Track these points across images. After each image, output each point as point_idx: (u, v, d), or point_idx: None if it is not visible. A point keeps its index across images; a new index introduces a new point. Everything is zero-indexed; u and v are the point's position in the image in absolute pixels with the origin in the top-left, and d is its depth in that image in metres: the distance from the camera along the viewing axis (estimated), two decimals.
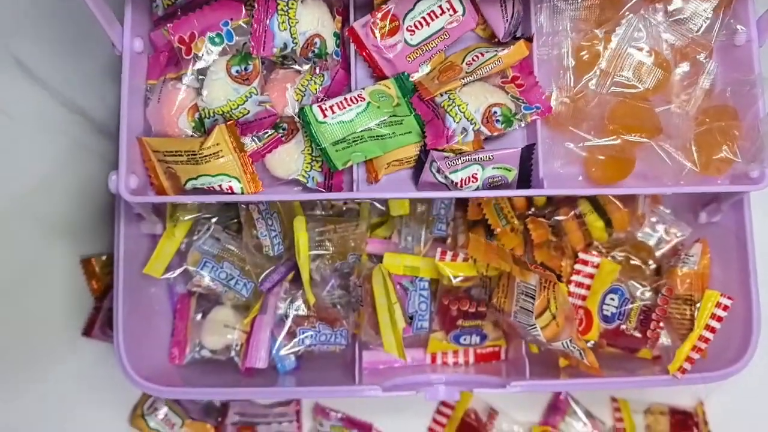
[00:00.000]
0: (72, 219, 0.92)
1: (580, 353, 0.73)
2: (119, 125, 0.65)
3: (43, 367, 0.90)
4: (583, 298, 0.78)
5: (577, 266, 0.77)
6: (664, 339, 0.79)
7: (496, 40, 0.69)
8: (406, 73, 0.68)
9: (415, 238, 0.83)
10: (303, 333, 0.80)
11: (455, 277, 0.78)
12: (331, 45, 0.67)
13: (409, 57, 0.68)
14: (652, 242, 0.82)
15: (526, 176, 0.68)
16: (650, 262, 0.80)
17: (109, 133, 0.93)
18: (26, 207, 0.92)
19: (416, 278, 0.80)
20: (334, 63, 0.69)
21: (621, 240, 0.80)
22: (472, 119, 0.65)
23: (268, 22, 0.64)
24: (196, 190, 0.65)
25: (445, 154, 0.67)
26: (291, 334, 0.80)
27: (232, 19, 0.64)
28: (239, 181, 0.64)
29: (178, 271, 0.79)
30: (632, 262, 0.80)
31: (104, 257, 0.92)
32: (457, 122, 0.65)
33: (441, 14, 0.67)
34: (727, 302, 0.74)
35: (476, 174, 0.66)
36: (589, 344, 0.77)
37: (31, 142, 0.94)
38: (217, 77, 0.64)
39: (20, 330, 0.90)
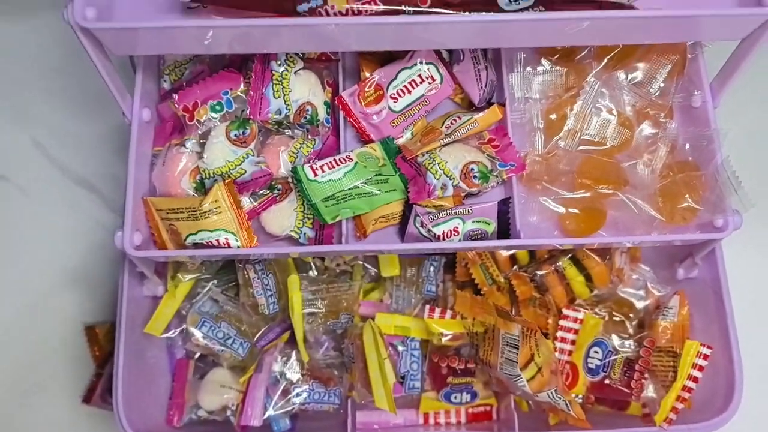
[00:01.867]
0: (78, 288, 0.97)
1: (567, 405, 0.75)
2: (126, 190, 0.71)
3: None
4: (569, 353, 0.80)
5: (562, 322, 0.80)
6: (650, 392, 0.81)
7: (474, 108, 0.75)
8: (391, 137, 0.74)
9: (406, 300, 0.86)
10: (297, 392, 0.82)
11: (444, 335, 0.80)
12: (321, 113, 0.74)
13: (394, 122, 0.75)
14: (634, 299, 0.85)
15: (504, 229, 0.72)
16: (632, 317, 0.83)
17: (117, 207, 0.99)
18: (36, 277, 0.97)
19: (407, 338, 0.83)
20: (325, 129, 0.75)
21: (603, 297, 0.84)
22: (451, 175, 0.71)
23: (264, 90, 0.70)
24: (195, 245, 0.70)
25: (428, 209, 0.72)
26: (285, 393, 0.82)
27: (231, 89, 0.71)
28: (236, 236, 0.69)
29: (178, 330, 0.82)
30: (615, 318, 0.83)
31: (107, 325, 0.95)
32: (438, 179, 0.70)
33: (421, 83, 0.74)
34: (707, 351, 0.77)
35: (457, 227, 0.71)
36: (577, 399, 0.79)
37: (44, 218, 0.99)
38: (217, 141, 0.70)
39: (21, 396, 0.92)
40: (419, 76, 0.74)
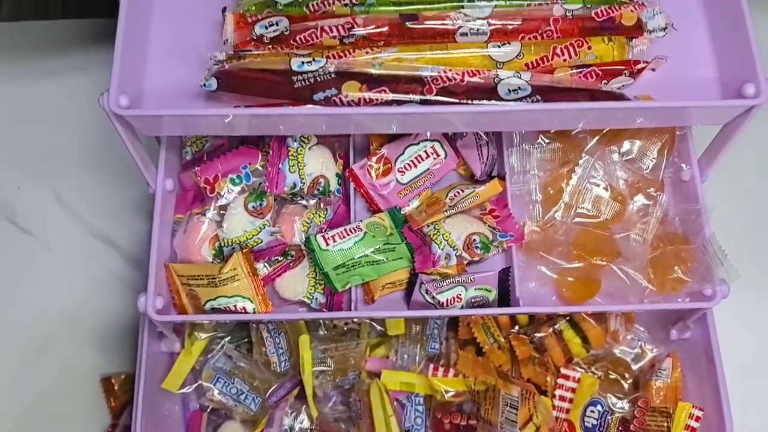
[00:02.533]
0: (95, 340, 1.00)
1: None
2: (148, 254, 0.75)
3: None
4: (566, 411, 0.84)
5: (560, 381, 0.84)
6: None
7: (475, 178, 0.80)
8: (398, 207, 0.79)
9: (411, 357, 0.89)
10: None
11: (447, 392, 0.84)
12: (333, 184, 0.79)
13: (401, 193, 0.80)
14: (629, 358, 0.89)
15: (505, 296, 0.77)
16: (627, 376, 0.87)
17: (135, 261, 1.03)
18: (56, 328, 1.01)
19: (412, 394, 0.87)
20: (336, 199, 0.80)
21: (600, 356, 0.87)
22: (454, 246, 0.75)
23: (280, 165, 0.75)
24: (213, 310, 0.74)
25: (432, 277, 0.76)
26: None
27: (250, 163, 0.76)
28: (252, 302, 0.73)
29: (193, 386, 0.86)
30: (611, 376, 0.86)
31: (123, 376, 0.99)
32: (442, 249, 0.75)
33: (426, 158, 0.79)
34: (699, 413, 0.80)
35: (460, 294, 0.75)
36: None
37: (65, 271, 1.04)
38: (236, 212, 0.75)
39: None
40: (425, 151, 0.79)
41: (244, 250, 0.74)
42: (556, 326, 0.84)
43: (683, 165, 0.79)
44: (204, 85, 0.65)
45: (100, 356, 1.00)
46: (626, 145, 0.79)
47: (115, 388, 0.98)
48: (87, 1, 1.17)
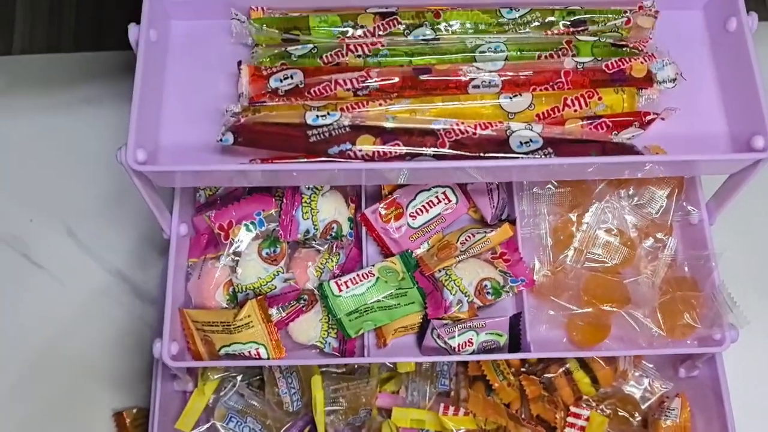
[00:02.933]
0: (109, 375, 1.01)
1: None
2: (163, 296, 0.76)
3: None
4: None
5: (569, 419, 0.84)
6: None
7: (486, 221, 0.81)
8: (409, 251, 0.80)
9: (421, 393, 0.90)
10: None
11: (457, 431, 0.85)
12: (345, 228, 0.80)
13: (412, 237, 0.80)
14: (638, 395, 0.89)
15: (515, 340, 0.77)
16: (636, 414, 0.87)
17: (148, 297, 1.04)
18: (67, 362, 1.01)
19: (422, 431, 0.87)
20: (348, 242, 0.81)
21: (609, 394, 0.88)
22: (466, 292, 0.76)
23: (294, 213, 0.76)
24: (228, 356, 0.75)
25: (444, 321, 0.77)
26: None
27: (263, 210, 0.77)
28: (266, 348, 0.74)
29: (206, 425, 0.87)
30: (620, 413, 0.87)
31: (135, 410, 0.99)
32: (453, 294, 0.76)
33: (438, 203, 0.80)
34: None
35: (471, 339, 0.76)
36: None
37: (76, 304, 1.04)
38: (250, 258, 0.76)
39: None
40: (436, 197, 0.80)
41: (258, 298, 0.74)
42: (565, 366, 0.85)
43: (691, 209, 0.79)
44: (221, 140, 0.66)
45: (111, 391, 1.00)
46: (634, 190, 0.80)
47: (127, 422, 0.99)
48: (99, 34, 1.18)
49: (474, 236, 0.78)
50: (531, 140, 0.68)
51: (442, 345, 0.76)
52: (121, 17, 1.16)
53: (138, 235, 1.07)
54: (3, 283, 1.05)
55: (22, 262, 1.07)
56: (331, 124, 0.67)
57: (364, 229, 0.81)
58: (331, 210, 0.78)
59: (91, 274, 1.05)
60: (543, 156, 0.67)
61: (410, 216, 0.80)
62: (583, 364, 0.84)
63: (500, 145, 0.68)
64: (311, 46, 0.71)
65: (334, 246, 0.80)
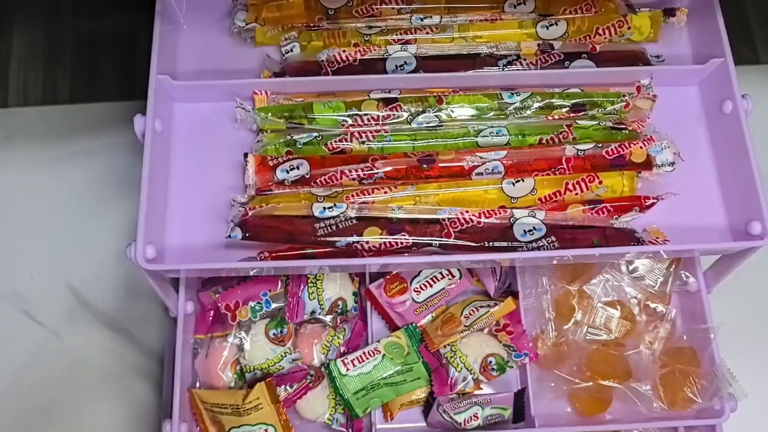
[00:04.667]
0: None
1: None
2: (169, 356, 0.76)
3: None
4: None
5: None
6: None
7: (490, 297, 0.83)
8: (414, 324, 0.81)
9: None
10: None
11: None
12: (350, 303, 0.81)
13: (417, 311, 0.82)
14: None
15: (519, 413, 0.79)
16: None
17: (152, 353, 1.04)
18: (71, 422, 1.02)
19: None
20: (353, 316, 0.82)
21: None
22: (471, 369, 0.77)
23: (300, 294, 0.77)
24: None
25: (450, 396, 0.78)
26: None
27: (270, 290, 0.78)
28: (275, 429, 0.75)
29: None
30: None
31: None
32: (459, 372, 0.77)
33: (442, 278, 0.82)
34: None
35: (477, 414, 0.78)
36: None
37: (79, 360, 1.05)
38: (257, 339, 0.77)
39: None
40: (440, 273, 0.81)
41: (267, 380, 0.75)
42: None
43: (690, 279, 0.81)
44: (229, 236, 0.67)
45: None
46: (634, 263, 0.81)
47: None
48: (95, 85, 1.18)
49: (478, 310, 0.80)
50: (534, 228, 0.69)
51: (448, 419, 0.78)
52: (117, 67, 1.16)
53: (142, 292, 1.07)
54: (2, 340, 1.05)
55: (22, 318, 1.06)
56: (337, 216, 0.68)
57: (368, 304, 0.82)
58: (336, 287, 0.79)
59: (92, 331, 1.05)
60: (546, 244, 0.68)
61: (414, 291, 0.81)
62: None
63: (504, 232, 0.69)
64: (316, 134, 0.72)
65: (339, 320, 0.81)
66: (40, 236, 1.11)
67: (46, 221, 1.12)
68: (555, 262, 0.80)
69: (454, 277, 0.81)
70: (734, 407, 0.77)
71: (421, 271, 0.81)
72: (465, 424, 0.77)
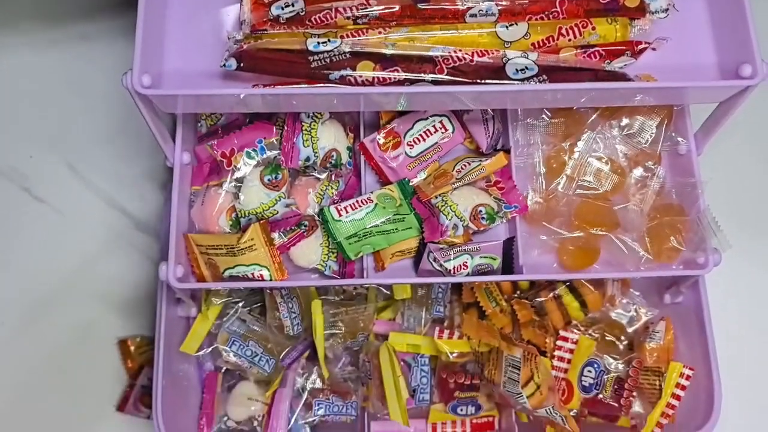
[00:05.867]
0: (110, 304, 1.04)
1: (563, 419, 0.84)
2: (164, 222, 0.78)
3: None
4: (565, 371, 0.89)
5: (559, 342, 0.89)
6: (638, 407, 0.89)
7: (481, 151, 0.83)
8: (407, 179, 0.82)
9: (417, 319, 0.94)
10: (318, 404, 0.90)
11: (452, 353, 0.89)
12: (344, 157, 0.82)
13: (409, 166, 0.83)
14: (624, 321, 0.93)
15: (508, 264, 0.81)
16: (623, 338, 0.91)
17: (148, 229, 1.07)
18: (70, 295, 1.04)
19: (418, 355, 0.91)
20: (347, 171, 0.83)
21: (597, 319, 0.92)
22: (461, 217, 0.79)
23: (295, 140, 0.78)
24: (231, 278, 0.78)
25: (440, 246, 0.80)
26: (307, 406, 0.91)
27: (265, 138, 0.79)
28: (268, 270, 0.77)
29: (209, 348, 0.90)
30: (607, 338, 0.91)
31: (138, 338, 1.03)
32: (449, 219, 0.79)
33: (435, 132, 0.82)
34: (689, 372, 0.85)
35: (466, 262, 0.79)
36: (572, 413, 0.87)
37: (78, 235, 1.07)
38: (252, 185, 0.78)
39: (58, 402, 1.00)
40: (433, 126, 0.82)
41: (261, 221, 0.77)
42: (555, 291, 0.88)
43: (680, 139, 0.82)
44: (224, 65, 0.68)
45: (114, 320, 1.04)
46: (626, 120, 0.82)
47: (131, 350, 1.03)
48: None
49: (469, 164, 0.81)
50: (527, 68, 0.70)
51: (438, 268, 0.79)
52: None
53: (139, 170, 1.09)
54: (4, 217, 1.07)
55: (23, 196, 1.09)
56: (331, 50, 0.69)
57: (362, 159, 0.83)
58: (331, 138, 0.80)
59: (92, 207, 1.07)
60: (538, 83, 0.69)
61: (408, 145, 0.82)
62: (573, 288, 0.88)
63: (497, 72, 0.70)
64: None
65: (334, 174, 0.82)
66: (39, 117, 1.12)
67: (45, 103, 1.13)
68: (547, 119, 0.82)
69: (447, 130, 0.82)
70: (718, 261, 0.78)
71: (414, 124, 0.82)
72: (455, 272, 0.79)
